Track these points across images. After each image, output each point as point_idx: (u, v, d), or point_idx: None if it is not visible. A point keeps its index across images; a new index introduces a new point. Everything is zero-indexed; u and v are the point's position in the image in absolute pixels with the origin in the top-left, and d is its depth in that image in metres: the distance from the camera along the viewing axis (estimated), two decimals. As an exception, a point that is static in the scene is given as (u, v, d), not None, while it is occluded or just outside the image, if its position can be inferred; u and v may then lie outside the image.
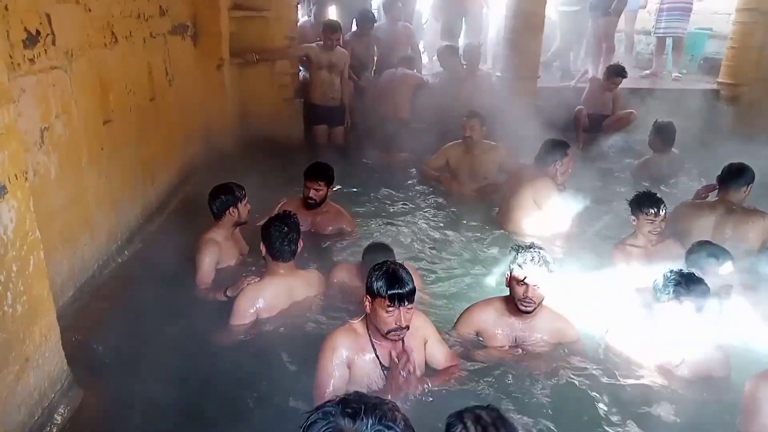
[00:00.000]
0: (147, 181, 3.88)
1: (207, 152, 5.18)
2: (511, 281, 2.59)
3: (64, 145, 2.73)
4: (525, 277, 2.52)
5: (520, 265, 2.54)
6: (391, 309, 2.16)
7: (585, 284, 3.24)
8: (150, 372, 2.44)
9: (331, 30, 5.81)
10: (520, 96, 6.07)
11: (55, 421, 2.15)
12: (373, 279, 2.19)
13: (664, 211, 3.22)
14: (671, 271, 2.47)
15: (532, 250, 2.59)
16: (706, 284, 2.41)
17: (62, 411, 2.19)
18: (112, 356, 2.60)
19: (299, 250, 2.93)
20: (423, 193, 5.00)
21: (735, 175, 3.54)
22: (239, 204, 3.30)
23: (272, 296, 2.86)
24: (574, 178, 4.08)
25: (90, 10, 3.05)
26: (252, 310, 2.82)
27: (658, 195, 3.30)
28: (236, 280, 3.05)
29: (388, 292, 2.14)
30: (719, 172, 3.65)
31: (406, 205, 4.74)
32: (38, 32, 2.50)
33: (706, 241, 2.99)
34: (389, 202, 4.79)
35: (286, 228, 2.85)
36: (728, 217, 3.48)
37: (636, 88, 6.71)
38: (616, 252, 3.33)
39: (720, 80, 6.79)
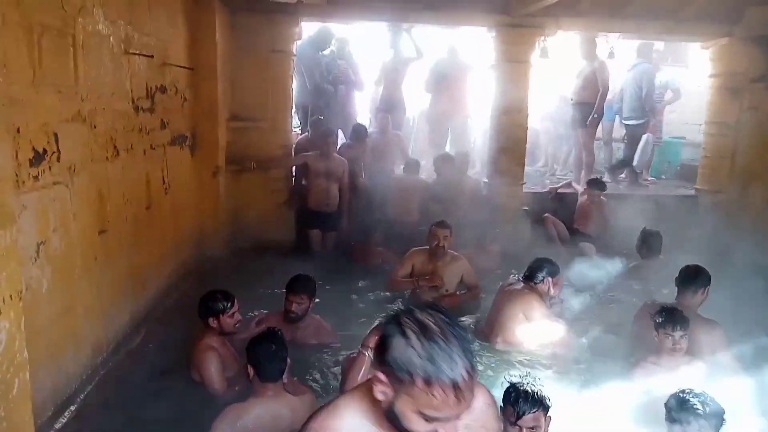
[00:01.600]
0: (137, 289, 3.85)
1: (199, 257, 5.20)
2: (505, 421, 2.31)
3: (58, 258, 2.74)
4: (518, 419, 2.29)
5: (512, 405, 2.31)
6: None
7: (584, 403, 3.15)
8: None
9: (327, 135, 6.07)
10: (507, 200, 6.29)
11: None
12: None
13: (683, 329, 3.06)
14: (684, 392, 2.37)
15: (528, 386, 2.34)
16: (720, 405, 2.34)
17: None
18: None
19: (288, 367, 2.80)
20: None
21: (691, 278, 3.57)
22: (221, 316, 3.24)
23: (254, 420, 2.66)
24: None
25: (95, 127, 3.19)
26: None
27: (679, 311, 3.16)
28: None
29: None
30: (677, 275, 3.67)
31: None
32: (45, 150, 2.59)
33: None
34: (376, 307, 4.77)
35: (273, 346, 2.73)
36: None
37: (620, 194, 6.95)
38: (638, 369, 3.20)
39: (697, 186, 7.08)
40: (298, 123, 7.55)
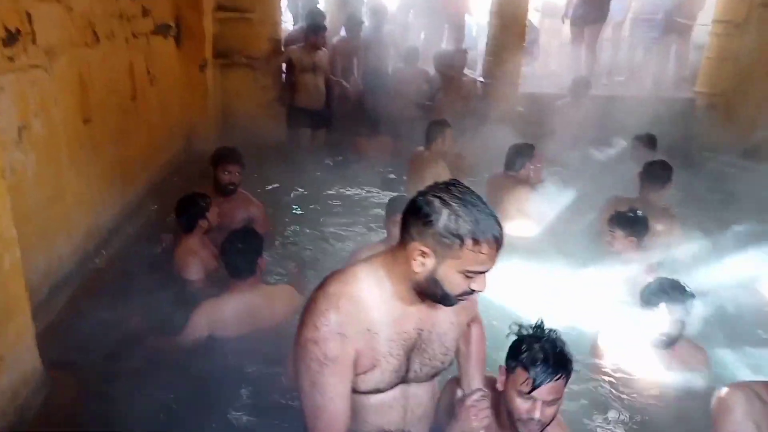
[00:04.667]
0: (127, 181, 3.88)
1: (188, 152, 5.18)
2: (508, 385, 1.73)
3: (42, 144, 2.73)
4: (532, 390, 1.65)
5: (526, 366, 1.66)
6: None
7: (578, 283, 3.29)
8: (120, 366, 2.50)
9: (314, 31, 5.83)
10: (501, 101, 6.18)
11: (27, 419, 2.14)
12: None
13: (625, 231, 3.18)
14: (656, 281, 2.51)
15: (545, 340, 1.69)
16: (690, 292, 2.48)
17: (34, 409, 2.19)
18: (84, 352, 2.60)
19: (260, 264, 2.82)
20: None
21: (654, 174, 3.68)
22: (207, 213, 3.29)
23: (230, 314, 2.71)
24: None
25: (71, 9, 3.06)
26: (204, 325, 2.68)
27: (631, 216, 3.25)
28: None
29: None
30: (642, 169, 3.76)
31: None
32: (18, 31, 2.50)
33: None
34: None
35: (240, 244, 2.74)
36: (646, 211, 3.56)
37: (612, 96, 6.81)
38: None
39: (697, 89, 6.93)
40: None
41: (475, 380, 1.86)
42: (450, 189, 1.43)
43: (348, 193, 5.12)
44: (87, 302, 2.93)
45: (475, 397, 1.78)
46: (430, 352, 1.62)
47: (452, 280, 1.42)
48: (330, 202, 4.90)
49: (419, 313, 1.57)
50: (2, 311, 1.97)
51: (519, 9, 6.17)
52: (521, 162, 3.85)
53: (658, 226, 3.50)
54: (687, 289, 2.51)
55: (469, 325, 1.84)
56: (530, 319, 1.81)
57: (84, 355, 2.57)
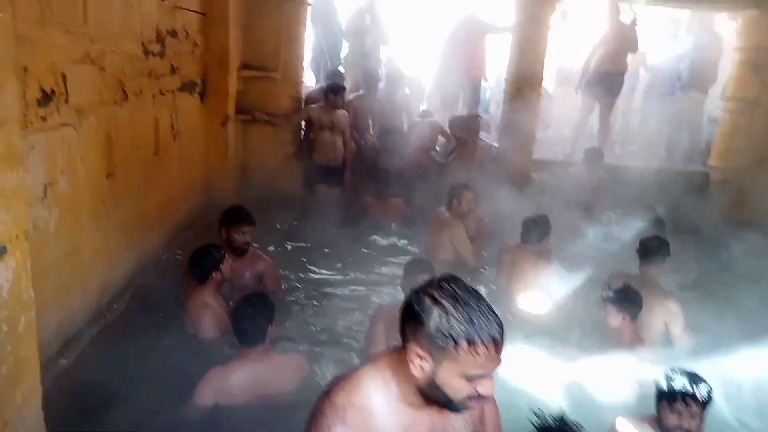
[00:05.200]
0: (144, 234, 3.90)
1: (206, 206, 5.22)
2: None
3: (65, 200, 2.77)
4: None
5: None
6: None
7: (590, 365, 3.21)
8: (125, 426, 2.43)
9: (333, 91, 5.98)
10: (515, 167, 6.23)
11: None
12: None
13: (621, 308, 3.14)
14: (673, 371, 2.41)
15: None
16: (708, 386, 2.38)
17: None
18: (90, 411, 2.55)
19: (270, 332, 2.76)
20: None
21: (652, 250, 3.66)
22: (221, 265, 3.29)
23: (236, 383, 2.65)
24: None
25: (104, 69, 3.16)
26: (211, 394, 2.62)
27: (627, 293, 3.18)
28: None
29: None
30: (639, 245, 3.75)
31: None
32: (53, 91, 2.58)
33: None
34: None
35: (251, 310, 2.67)
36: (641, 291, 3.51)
37: (624, 167, 6.86)
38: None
39: (710, 164, 6.98)
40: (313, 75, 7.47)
41: None
42: (442, 286, 1.37)
43: (362, 251, 5.13)
44: (95, 361, 2.89)
45: None
46: None
47: (453, 385, 1.35)
48: (339, 261, 4.89)
49: (430, 418, 1.48)
50: (12, 375, 1.94)
51: (534, 76, 6.31)
52: (539, 235, 3.83)
53: (656, 304, 3.48)
54: (705, 383, 2.42)
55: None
56: (544, 399, 1.77)
57: (89, 418, 2.51)
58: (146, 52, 3.76)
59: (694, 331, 3.51)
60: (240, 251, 3.71)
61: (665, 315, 3.51)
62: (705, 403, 2.34)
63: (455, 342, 1.30)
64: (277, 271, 4.07)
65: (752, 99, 6.45)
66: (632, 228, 5.03)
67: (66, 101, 2.71)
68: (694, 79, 7.44)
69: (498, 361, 1.35)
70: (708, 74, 7.37)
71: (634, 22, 6.83)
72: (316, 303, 4.13)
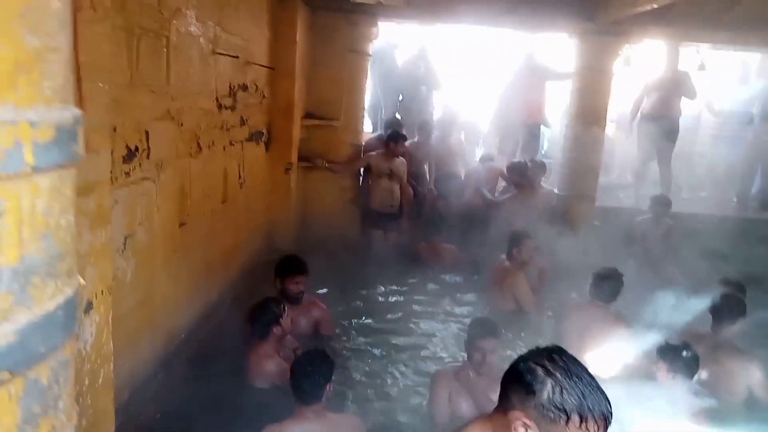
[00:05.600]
0: (210, 280, 4.00)
1: (268, 250, 5.33)
2: None
3: (142, 250, 2.88)
4: None
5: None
6: None
7: None
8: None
9: (393, 139, 6.08)
10: (577, 214, 6.09)
11: None
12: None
13: (670, 366, 2.99)
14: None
15: None
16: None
17: None
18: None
19: (328, 391, 2.72)
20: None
21: (728, 309, 3.47)
22: (281, 320, 3.31)
23: None
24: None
25: (182, 125, 3.32)
26: None
27: (682, 352, 3.02)
28: None
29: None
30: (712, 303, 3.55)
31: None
32: (137, 148, 2.72)
33: None
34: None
35: (310, 367, 2.64)
36: (716, 352, 3.34)
37: (694, 213, 6.57)
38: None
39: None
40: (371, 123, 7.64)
41: None
42: (553, 357, 1.39)
43: (414, 299, 5.07)
44: (164, 408, 2.94)
45: None
46: None
47: None
48: (390, 311, 4.85)
49: None
50: (89, 428, 1.99)
51: (596, 122, 6.21)
52: (612, 291, 3.67)
53: (735, 367, 3.31)
54: None
55: None
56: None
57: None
58: (219, 107, 3.94)
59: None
60: (295, 300, 3.75)
61: (747, 378, 3.31)
62: None
63: (567, 416, 1.30)
64: (331, 316, 4.09)
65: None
66: (705, 284, 4.78)
67: (147, 156, 2.86)
68: (766, 123, 7.13)
69: None
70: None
71: (688, 70, 6.67)
72: (367, 353, 4.09)
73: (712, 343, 3.36)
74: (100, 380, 2.04)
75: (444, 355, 4.20)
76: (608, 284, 3.68)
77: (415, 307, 4.92)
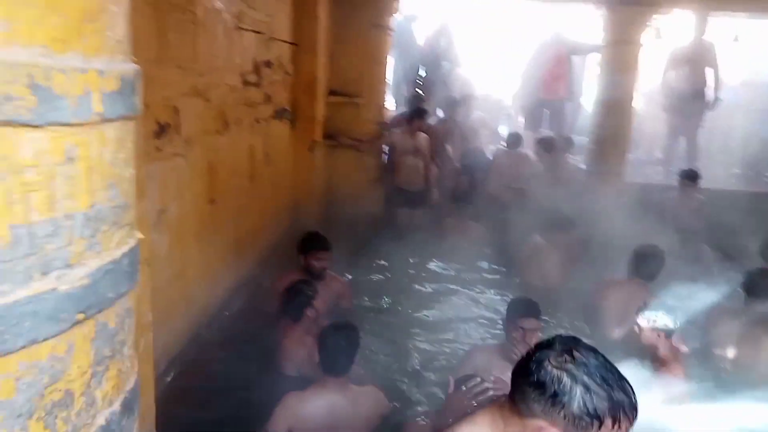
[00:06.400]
0: (239, 256, 4.05)
1: (294, 228, 5.36)
2: None
3: (175, 226, 2.92)
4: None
5: None
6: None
7: None
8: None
9: (417, 116, 6.04)
10: (605, 190, 5.99)
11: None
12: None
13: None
14: None
15: None
16: None
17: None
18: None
19: (354, 364, 2.74)
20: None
21: (757, 283, 3.39)
22: (313, 302, 3.29)
23: (311, 411, 2.62)
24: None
25: (209, 101, 3.33)
26: (285, 419, 2.60)
27: None
28: None
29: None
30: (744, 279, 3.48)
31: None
32: (168, 124, 2.74)
33: None
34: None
35: (344, 342, 2.65)
36: (753, 329, 3.27)
37: (722, 190, 6.42)
38: None
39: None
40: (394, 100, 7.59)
41: None
42: (575, 357, 1.26)
43: (442, 280, 5.07)
44: (200, 378, 3.01)
45: None
46: None
47: None
48: (421, 288, 4.86)
49: None
50: (132, 394, 2.04)
51: (625, 96, 6.08)
52: (655, 269, 3.62)
53: (766, 341, 3.24)
54: None
55: None
56: None
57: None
58: (245, 83, 3.94)
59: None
60: (318, 276, 3.75)
61: None
62: None
63: (600, 421, 1.21)
64: (351, 291, 4.13)
65: None
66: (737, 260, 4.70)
67: (178, 132, 2.88)
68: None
69: (631, 430, 1.27)
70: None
71: (715, 41, 6.46)
72: (390, 328, 4.12)
73: (748, 319, 3.30)
74: (141, 349, 2.08)
75: (469, 332, 4.22)
76: (650, 262, 3.61)
77: (441, 284, 4.94)
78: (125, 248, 0.78)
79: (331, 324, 2.84)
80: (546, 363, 1.26)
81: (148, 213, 2.58)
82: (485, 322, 4.32)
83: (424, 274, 5.12)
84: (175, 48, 2.84)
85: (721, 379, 3.27)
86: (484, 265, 5.35)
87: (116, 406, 0.91)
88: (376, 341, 3.85)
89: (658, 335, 2.98)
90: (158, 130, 2.68)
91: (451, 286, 4.89)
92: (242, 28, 3.79)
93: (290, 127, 5.37)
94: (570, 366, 1.24)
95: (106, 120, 0.65)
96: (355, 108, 5.99)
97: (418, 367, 3.69)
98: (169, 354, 2.97)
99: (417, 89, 7.15)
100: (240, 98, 3.90)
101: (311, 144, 5.59)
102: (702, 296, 4.00)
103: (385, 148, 6.37)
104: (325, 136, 5.89)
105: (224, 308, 3.73)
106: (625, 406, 1.23)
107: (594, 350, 1.29)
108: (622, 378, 1.27)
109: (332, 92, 5.90)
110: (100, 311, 0.74)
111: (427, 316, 4.42)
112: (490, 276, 5.17)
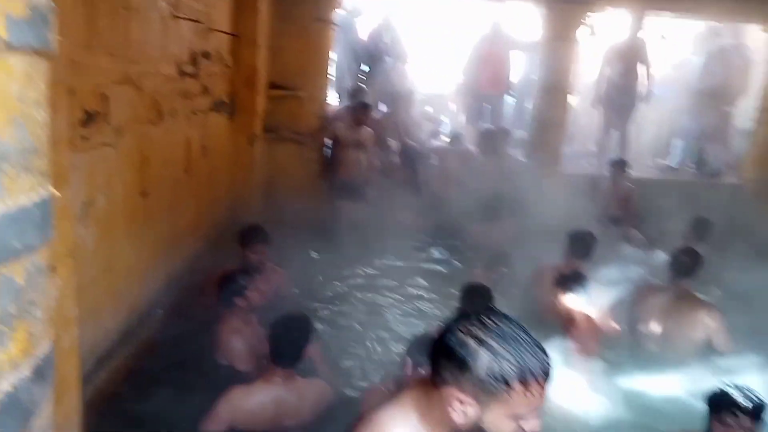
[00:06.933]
0: (174, 251, 3.93)
1: (233, 223, 5.24)
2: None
3: (103, 219, 2.80)
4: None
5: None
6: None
7: None
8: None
9: (360, 109, 6.03)
10: (543, 182, 6.17)
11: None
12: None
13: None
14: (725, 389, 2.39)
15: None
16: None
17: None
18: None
19: (314, 355, 2.75)
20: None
21: (687, 264, 3.63)
22: (246, 292, 3.22)
23: (256, 405, 2.58)
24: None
25: (142, 90, 3.21)
26: (227, 416, 2.54)
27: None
28: None
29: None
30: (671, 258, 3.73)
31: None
32: (96, 112, 2.63)
33: None
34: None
35: (296, 333, 2.63)
36: (678, 303, 3.52)
37: (652, 180, 6.76)
38: None
39: (744, 176, 6.84)
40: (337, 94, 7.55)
41: None
42: (484, 322, 1.24)
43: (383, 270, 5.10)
44: (126, 379, 2.90)
45: None
46: None
47: (500, 427, 1.24)
48: (363, 278, 4.89)
49: None
50: (54, 394, 1.94)
51: (561, 91, 6.29)
52: (588, 250, 3.78)
53: (695, 316, 3.48)
54: (756, 395, 2.35)
55: None
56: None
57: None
58: (181, 73, 3.83)
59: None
60: (257, 269, 3.68)
61: (706, 327, 3.46)
62: (756, 416, 2.27)
63: (508, 385, 1.20)
64: (289, 279, 4.13)
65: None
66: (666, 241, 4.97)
67: (107, 122, 2.76)
68: (722, 92, 7.33)
69: (546, 393, 1.25)
70: (737, 86, 7.26)
71: (662, 38, 6.79)
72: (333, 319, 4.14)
73: (673, 295, 3.49)
74: (65, 346, 1.99)
75: (410, 319, 4.28)
76: (583, 243, 3.78)
77: (381, 273, 4.97)
78: (36, 198, 0.74)
79: (282, 315, 2.78)
80: (455, 330, 1.25)
81: (73, 204, 2.47)
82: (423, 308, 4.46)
83: (366, 264, 5.12)
84: (106, 34, 2.72)
85: (649, 352, 3.45)
86: (423, 255, 5.41)
87: (24, 371, 0.86)
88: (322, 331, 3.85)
89: (575, 306, 3.15)
90: (85, 118, 2.56)
91: (392, 281, 4.91)
92: (178, 17, 3.67)
93: (229, 120, 5.25)
94: (477, 331, 1.22)
95: (12, 48, 0.62)
96: (297, 101, 5.93)
97: (363, 353, 3.72)
98: (97, 353, 2.85)
99: (360, 83, 7.13)
100: (175, 88, 3.78)
101: (251, 137, 5.49)
102: (631, 275, 4.22)
103: (328, 142, 6.32)
104: (266, 129, 5.80)
105: (157, 305, 3.61)
106: (534, 370, 1.20)
107: (508, 317, 1.27)
108: (535, 343, 1.23)
109: (273, 85, 5.81)
110: (3, 262, 0.70)
111: (370, 303, 4.46)
112: (427, 266, 5.23)
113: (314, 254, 5.10)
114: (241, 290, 3.23)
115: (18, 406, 0.85)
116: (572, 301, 3.27)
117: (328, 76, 6.34)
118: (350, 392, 3.15)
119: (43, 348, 0.91)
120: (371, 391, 2.64)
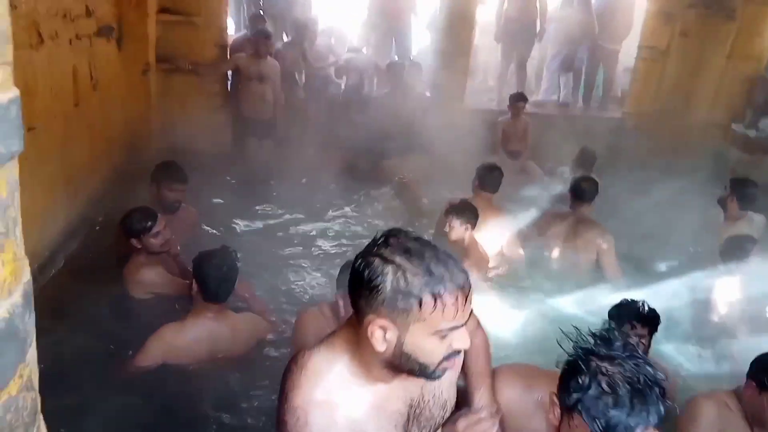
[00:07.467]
0: (71, 193, 3.61)
1: (131, 162, 4.87)
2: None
3: (-13, 155, 2.48)
4: None
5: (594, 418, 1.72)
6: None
7: None
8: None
9: (260, 39, 5.70)
10: (447, 116, 6.29)
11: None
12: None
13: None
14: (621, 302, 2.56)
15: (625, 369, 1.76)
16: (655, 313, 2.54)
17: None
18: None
19: (247, 290, 2.72)
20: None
21: (587, 190, 3.94)
22: (143, 236, 3.00)
23: (188, 342, 2.55)
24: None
25: (16, 7, 2.81)
26: (159, 353, 2.51)
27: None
28: None
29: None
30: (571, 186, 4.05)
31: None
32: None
33: None
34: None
35: (225, 268, 2.57)
36: (577, 226, 3.87)
37: (544, 114, 7.14)
38: None
39: (625, 110, 7.40)
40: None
41: (477, 397, 1.73)
42: (389, 241, 1.19)
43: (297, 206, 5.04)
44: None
45: (471, 419, 1.63)
46: (427, 415, 1.40)
47: (425, 348, 1.18)
48: (276, 216, 4.81)
49: (404, 385, 1.33)
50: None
51: (466, 26, 6.34)
52: (497, 182, 3.93)
53: (591, 238, 3.81)
54: (650, 307, 2.60)
55: None
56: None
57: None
58: (60, -10, 3.37)
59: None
60: (171, 209, 3.54)
61: (598, 247, 3.79)
62: (650, 324, 2.53)
63: (419, 300, 1.14)
64: (199, 218, 4.01)
65: (663, 48, 6.84)
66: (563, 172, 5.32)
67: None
68: (608, 30, 7.76)
69: (468, 308, 1.20)
70: (621, 25, 7.71)
71: None
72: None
73: (573, 219, 3.77)
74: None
75: (328, 251, 4.32)
76: (492, 176, 3.92)
77: (297, 210, 4.91)
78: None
79: (207, 252, 2.67)
80: (364, 255, 1.20)
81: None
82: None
83: (277, 204, 5.01)
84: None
85: (551, 273, 3.74)
86: (331, 186, 5.39)
87: (17, 297, 0.80)
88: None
89: (466, 229, 3.33)
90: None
91: (299, 215, 4.86)
92: None
93: (118, 48, 4.76)
94: (383, 251, 1.18)
95: None
96: (192, 28, 5.47)
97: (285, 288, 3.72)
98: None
99: (259, 10, 6.71)
100: (54, 8, 3.34)
101: (144, 67, 5.04)
102: (534, 203, 4.51)
103: (230, 75, 5.97)
104: (160, 59, 5.34)
105: (58, 251, 3.33)
106: (445, 282, 1.14)
107: (418, 237, 1.22)
108: (447, 258, 1.18)
109: (164, 9, 5.31)
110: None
111: (289, 238, 4.44)
112: (334, 201, 5.25)
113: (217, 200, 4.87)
114: (142, 228, 3.00)
115: (16, 335, 0.80)
116: (465, 230, 3.41)
117: (226, 1, 5.90)
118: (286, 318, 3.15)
119: (27, 275, 0.85)
120: (305, 314, 2.64)
